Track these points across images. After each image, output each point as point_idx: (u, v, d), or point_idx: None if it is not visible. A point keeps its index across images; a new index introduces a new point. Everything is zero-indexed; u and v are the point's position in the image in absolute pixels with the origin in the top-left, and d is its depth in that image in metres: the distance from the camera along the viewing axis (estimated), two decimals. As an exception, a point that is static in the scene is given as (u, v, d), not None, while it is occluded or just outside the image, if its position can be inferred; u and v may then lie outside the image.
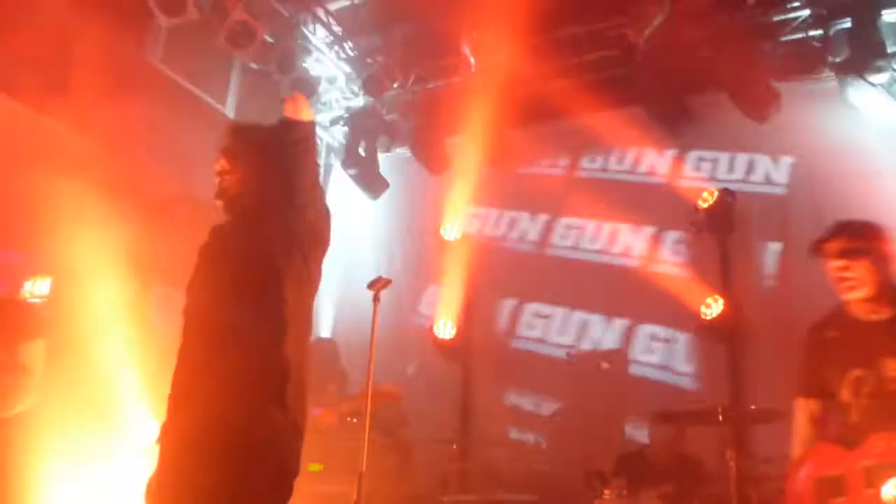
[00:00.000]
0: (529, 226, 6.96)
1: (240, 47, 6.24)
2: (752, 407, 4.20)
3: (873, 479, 2.50)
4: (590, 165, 6.84)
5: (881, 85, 5.30)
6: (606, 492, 4.28)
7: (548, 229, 6.86)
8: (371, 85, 7.01)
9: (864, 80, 5.26)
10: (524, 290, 6.73)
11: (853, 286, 2.72)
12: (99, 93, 5.31)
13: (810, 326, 2.94)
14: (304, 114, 2.67)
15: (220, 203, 2.71)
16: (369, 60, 7.23)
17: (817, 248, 2.84)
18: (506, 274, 6.83)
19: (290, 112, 2.66)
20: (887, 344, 2.67)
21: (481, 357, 6.59)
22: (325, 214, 2.61)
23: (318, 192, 2.65)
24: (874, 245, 2.76)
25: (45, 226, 5.55)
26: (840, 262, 2.73)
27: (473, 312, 6.59)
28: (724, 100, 5.93)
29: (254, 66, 6.79)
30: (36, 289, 5.11)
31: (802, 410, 2.88)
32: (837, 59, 5.54)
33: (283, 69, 6.78)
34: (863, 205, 5.44)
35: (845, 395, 2.72)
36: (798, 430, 2.87)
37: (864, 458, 2.56)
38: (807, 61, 5.89)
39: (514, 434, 6.25)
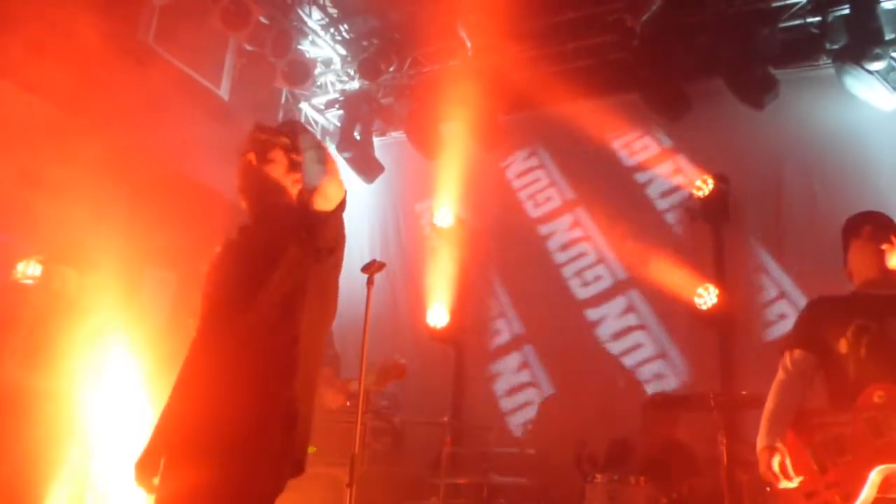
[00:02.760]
0: (523, 211, 6.94)
1: (234, 28, 6.19)
2: (743, 392, 4.22)
3: (883, 429, 2.43)
4: (584, 151, 6.82)
5: (878, 73, 5.29)
6: (598, 476, 4.31)
7: (542, 216, 6.85)
8: (366, 68, 6.96)
9: (862, 67, 5.25)
10: (517, 275, 6.73)
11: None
12: (92, 73, 5.27)
13: (811, 299, 2.91)
14: (335, 193, 2.24)
15: (244, 202, 2.40)
16: (365, 43, 7.18)
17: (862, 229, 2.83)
18: (499, 259, 6.83)
19: (320, 204, 2.22)
20: (893, 308, 2.64)
21: (474, 341, 6.61)
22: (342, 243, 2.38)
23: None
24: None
25: (38, 207, 5.52)
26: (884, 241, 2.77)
27: (467, 297, 6.61)
28: (721, 86, 5.91)
29: (248, 47, 6.74)
30: (28, 270, 5.09)
31: (788, 362, 2.76)
32: (835, 46, 5.53)
33: (277, 51, 6.74)
34: (858, 192, 5.47)
35: (843, 346, 2.63)
36: (778, 382, 2.74)
37: (866, 410, 2.49)
38: (804, 48, 5.88)
39: (506, 418, 6.28)
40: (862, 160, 5.53)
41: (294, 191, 2.41)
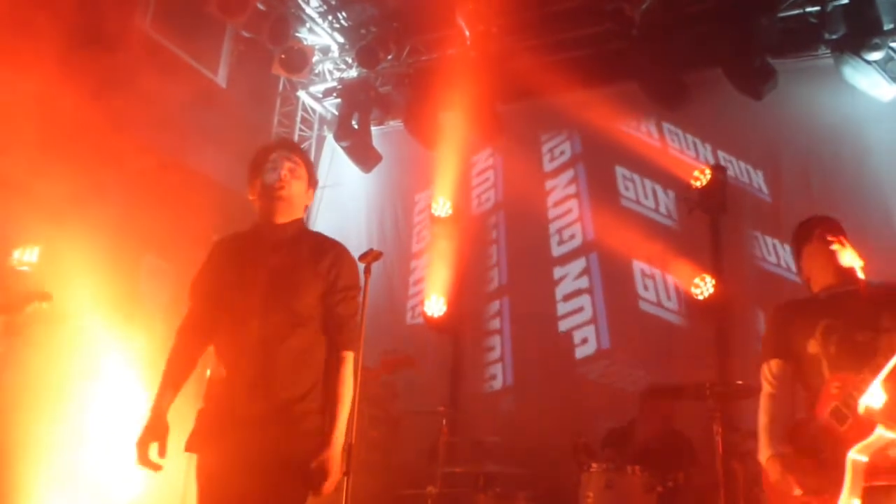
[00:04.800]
0: (521, 201, 6.93)
1: (231, 15, 6.16)
2: (739, 382, 4.23)
3: (844, 414, 2.49)
4: (583, 141, 6.81)
5: (877, 63, 5.28)
6: (594, 465, 4.33)
7: (540, 206, 6.84)
8: (364, 56, 6.94)
9: (860, 57, 5.24)
10: (514, 264, 6.73)
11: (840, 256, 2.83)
12: (88, 59, 5.23)
13: (776, 305, 2.98)
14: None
15: (280, 202, 2.51)
16: (363, 31, 7.14)
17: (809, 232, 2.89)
18: (496, 249, 6.83)
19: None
20: (855, 303, 2.69)
21: (471, 331, 6.62)
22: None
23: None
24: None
25: (34, 194, 5.50)
26: (831, 239, 2.83)
27: (464, 286, 6.61)
28: (720, 76, 5.90)
29: (246, 34, 6.71)
30: (24, 257, 5.08)
31: (769, 374, 2.81)
32: (834, 36, 5.52)
33: (275, 38, 6.71)
34: (855, 182, 5.48)
35: (814, 347, 2.69)
36: (766, 396, 2.79)
37: (827, 403, 2.55)
38: (803, 38, 5.86)
39: (503, 407, 6.30)
40: (860, 150, 5.53)
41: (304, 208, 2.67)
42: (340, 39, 7.38)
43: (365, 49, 6.92)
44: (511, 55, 6.53)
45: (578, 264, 6.40)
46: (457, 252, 6.62)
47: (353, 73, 7.45)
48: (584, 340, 6.11)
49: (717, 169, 5.90)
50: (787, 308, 2.92)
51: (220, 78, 6.75)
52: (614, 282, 6.19)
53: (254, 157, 2.62)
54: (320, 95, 7.92)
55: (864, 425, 2.44)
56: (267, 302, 2.37)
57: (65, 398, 4.88)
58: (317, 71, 7.57)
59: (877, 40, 5.18)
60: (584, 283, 6.31)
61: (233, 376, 2.37)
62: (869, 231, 5.08)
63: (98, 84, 5.27)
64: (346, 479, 2.82)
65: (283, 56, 6.83)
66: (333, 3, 7.17)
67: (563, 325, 6.26)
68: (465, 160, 7.04)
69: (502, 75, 6.56)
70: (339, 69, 7.62)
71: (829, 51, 5.59)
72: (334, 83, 7.70)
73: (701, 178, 5.89)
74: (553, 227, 6.65)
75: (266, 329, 2.35)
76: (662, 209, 6.26)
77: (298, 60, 6.91)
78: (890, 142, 5.44)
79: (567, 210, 6.65)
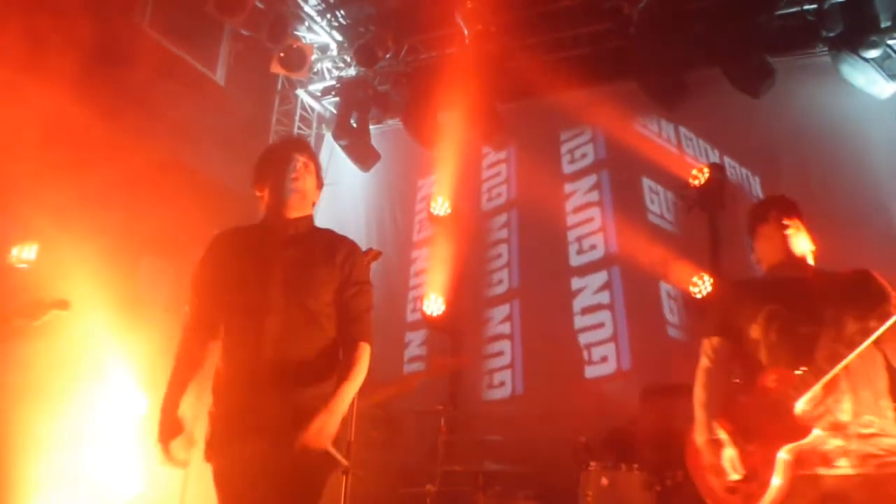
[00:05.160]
0: (537, 201, 6.90)
1: (230, 13, 6.15)
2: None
3: (780, 410, 2.46)
4: (583, 139, 6.81)
5: (874, 60, 5.29)
6: (592, 463, 4.33)
7: (558, 210, 6.81)
8: (363, 55, 6.92)
9: (858, 55, 5.25)
10: (528, 267, 6.72)
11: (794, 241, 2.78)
12: (86, 58, 5.23)
13: (729, 281, 3.02)
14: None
15: (295, 195, 2.51)
16: (362, 29, 7.13)
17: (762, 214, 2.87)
18: (495, 247, 6.83)
19: None
20: (802, 292, 2.65)
21: (470, 329, 6.62)
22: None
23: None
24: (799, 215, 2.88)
25: (33, 192, 5.49)
26: (787, 223, 2.79)
27: (463, 284, 6.60)
28: (718, 74, 5.90)
29: (244, 32, 6.69)
30: (23, 255, 5.07)
31: (710, 350, 2.79)
32: (831, 34, 5.52)
33: (274, 37, 6.69)
34: (854, 180, 5.48)
35: (755, 331, 2.65)
36: (704, 370, 2.77)
37: (764, 396, 2.53)
38: (801, 36, 5.87)
39: (503, 406, 6.30)
40: (857, 146, 5.54)
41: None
42: (339, 38, 7.37)
43: (363, 47, 6.90)
44: (509, 54, 6.52)
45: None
46: (458, 250, 6.61)
47: (352, 71, 7.45)
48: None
49: (716, 167, 5.90)
50: (736, 287, 2.92)
51: (219, 77, 6.74)
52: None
53: (264, 153, 2.61)
54: (319, 94, 7.91)
55: (799, 427, 2.42)
56: (281, 298, 2.34)
57: (65, 398, 4.87)
58: (315, 69, 7.56)
59: (874, 38, 5.19)
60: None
61: (245, 375, 2.33)
62: (866, 228, 5.09)
63: (97, 83, 5.26)
64: (345, 477, 2.83)
65: (281, 55, 6.82)
66: (332, 1, 7.15)
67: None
68: (474, 155, 6.97)
69: (500, 74, 6.57)
70: (337, 68, 7.61)
71: (826, 49, 5.60)
72: (333, 82, 7.69)
73: (699, 176, 5.89)
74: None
75: (280, 326, 2.31)
76: (666, 214, 6.26)
77: (297, 59, 6.90)
78: (888, 138, 5.45)
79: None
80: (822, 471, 2.38)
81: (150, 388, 5.14)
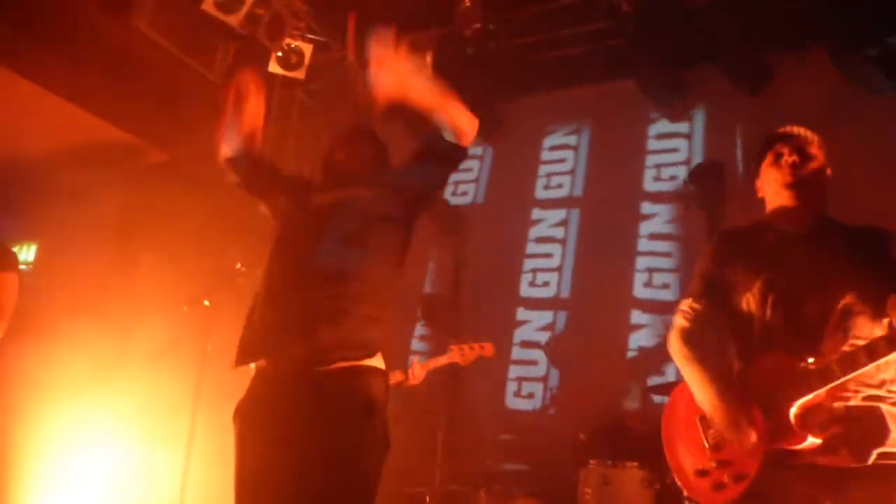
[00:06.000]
0: (519, 197, 6.92)
1: (227, 12, 6.13)
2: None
3: (771, 407, 2.11)
4: (578, 138, 6.81)
5: (873, 57, 5.28)
6: (592, 461, 4.33)
7: (536, 200, 6.83)
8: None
9: (857, 51, 5.25)
10: (513, 259, 6.72)
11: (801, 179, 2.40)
12: (84, 58, 5.23)
13: (721, 231, 2.60)
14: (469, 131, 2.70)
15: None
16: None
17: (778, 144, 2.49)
18: (496, 241, 6.82)
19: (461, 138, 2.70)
20: (808, 256, 2.27)
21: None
22: None
23: None
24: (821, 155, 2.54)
25: (33, 192, 5.49)
26: (793, 158, 2.44)
27: (464, 279, 6.60)
28: (716, 72, 5.90)
29: (241, 32, 6.67)
30: (21, 255, 5.08)
31: (685, 312, 2.38)
32: (830, 31, 5.52)
33: (271, 36, 6.67)
34: (852, 177, 5.46)
35: (749, 303, 2.26)
36: (678, 332, 2.37)
37: (755, 385, 2.17)
38: (799, 32, 5.86)
39: (505, 404, 6.29)
40: (855, 144, 5.53)
41: None
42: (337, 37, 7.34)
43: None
44: (506, 53, 6.52)
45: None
46: (455, 246, 6.59)
47: (350, 71, 7.43)
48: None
49: (715, 165, 5.90)
50: (731, 242, 2.45)
51: (217, 76, 6.72)
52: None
53: None
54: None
55: (791, 432, 2.07)
56: None
57: (63, 399, 4.87)
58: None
59: (873, 34, 5.19)
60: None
61: None
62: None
63: (94, 82, 5.27)
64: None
65: (279, 54, 6.81)
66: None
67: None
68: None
69: (498, 73, 6.56)
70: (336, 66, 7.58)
71: (825, 45, 5.60)
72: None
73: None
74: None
75: None
76: (661, 205, 6.26)
77: (295, 59, 6.89)
78: (885, 137, 5.44)
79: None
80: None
81: (150, 387, 5.13)
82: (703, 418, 2.32)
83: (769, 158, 2.50)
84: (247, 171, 2.89)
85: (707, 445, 2.32)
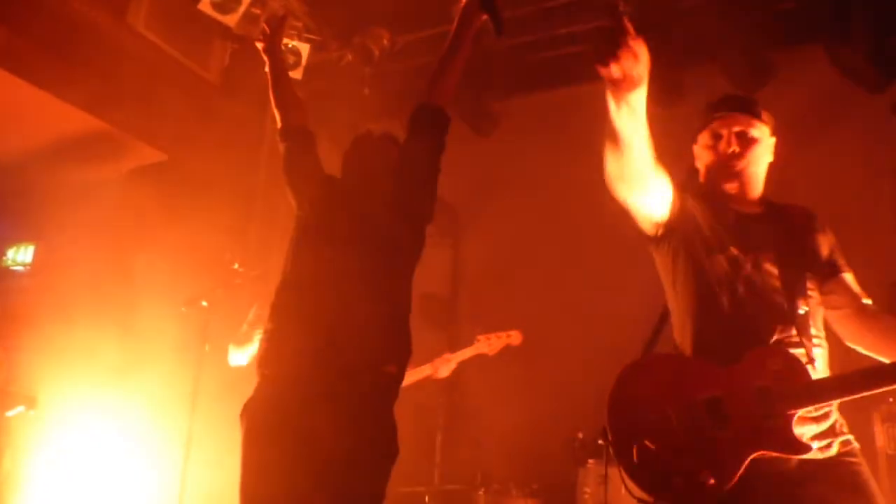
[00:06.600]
0: (512, 198, 6.91)
1: (224, 12, 6.12)
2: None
3: (770, 409, 1.93)
4: (576, 137, 6.80)
5: (870, 56, 5.29)
6: (590, 461, 4.33)
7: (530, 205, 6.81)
8: (359, 53, 6.89)
9: (854, 49, 5.25)
10: (511, 258, 6.72)
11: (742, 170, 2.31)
12: (80, 58, 5.21)
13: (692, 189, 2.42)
14: None
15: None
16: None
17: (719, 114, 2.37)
18: (493, 242, 6.82)
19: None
20: (761, 235, 2.23)
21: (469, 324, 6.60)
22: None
23: None
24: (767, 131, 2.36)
25: (31, 194, 5.48)
26: (735, 145, 2.33)
27: (460, 278, 6.60)
28: (714, 71, 5.90)
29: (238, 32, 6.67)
30: (19, 257, 5.07)
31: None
32: (827, 29, 5.52)
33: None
34: (850, 175, 5.48)
35: (720, 265, 2.18)
36: None
37: (752, 379, 1.98)
38: (796, 31, 5.87)
39: (501, 401, 6.28)
40: (852, 142, 5.54)
41: None
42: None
43: (359, 46, 6.87)
44: (504, 52, 6.51)
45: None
46: (450, 245, 6.57)
47: (347, 70, 7.41)
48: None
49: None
50: (702, 200, 2.33)
51: (214, 76, 6.72)
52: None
53: None
54: (314, 93, 7.88)
55: (751, 438, 1.90)
56: None
57: (60, 401, 4.86)
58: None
59: (871, 33, 5.19)
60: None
61: None
62: (862, 222, 5.09)
63: (89, 83, 5.25)
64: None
65: (281, 53, 6.80)
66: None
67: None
68: (463, 156, 6.90)
69: (495, 72, 6.56)
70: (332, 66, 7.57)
71: (823, 44, 5.60)
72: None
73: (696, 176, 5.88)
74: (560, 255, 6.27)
75: None
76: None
77: (292, 59, 6.88)
78: (882, 135, 5.45)
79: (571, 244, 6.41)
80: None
81: (148, 388, 5.12)
82: (692, 402, 1.98)
83: (707, 138, 2.42)
84: (296, 146, 2.90)
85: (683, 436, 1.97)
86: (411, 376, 4.44)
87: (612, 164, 2.14)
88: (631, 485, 2.01)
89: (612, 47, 1.91)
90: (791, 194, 2.55)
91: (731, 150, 2.33)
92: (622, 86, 1.96)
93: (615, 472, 4.24)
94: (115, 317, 5.18)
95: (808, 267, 2.21)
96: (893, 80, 5.33)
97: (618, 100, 2.00)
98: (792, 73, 5.86)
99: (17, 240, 5.37)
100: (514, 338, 4.72)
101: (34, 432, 4.71)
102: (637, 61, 1.96)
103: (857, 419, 2.12)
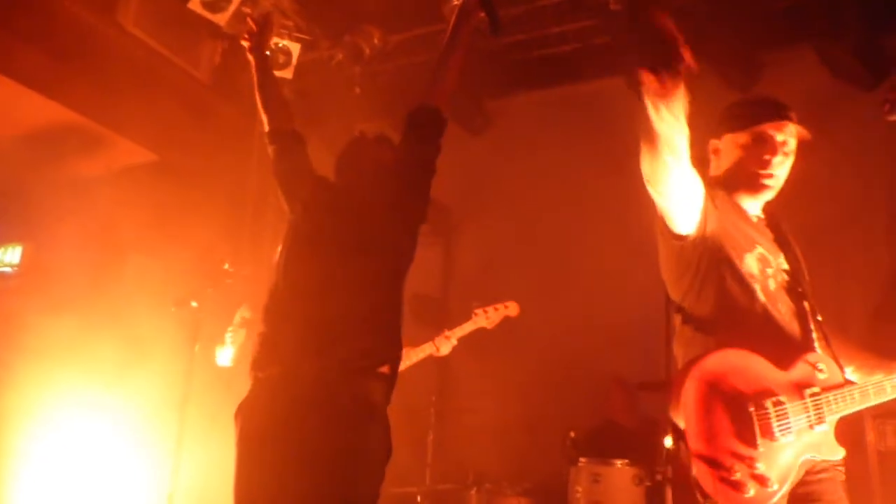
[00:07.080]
0: (507, 197, 6.91)
1: (214, 11, 6.09)
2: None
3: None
4: (571, 136, 6.81)
5: (861, 55, 5.31)
6: (582, 459, 4.34)
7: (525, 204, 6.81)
8: (350, 52, 6.88)
9: (846, 49, 5.27)
10: (503, 256, 6.72)
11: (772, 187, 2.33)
12: (68, 57, 5.18)
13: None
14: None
15: None
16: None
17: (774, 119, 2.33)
18: (486, 240, 6.82)
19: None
20: (771, 237, 2.33)
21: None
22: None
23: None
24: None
25: (17, 193, 5.44)
26: (779, 154, 2.32)
27: (453, 276, 6.59)
28: (706, 70, 5.91)
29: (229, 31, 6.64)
30: (7, 257, 5.03)
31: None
32: (819, 28, 5.54)
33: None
34: (845, 173, 5.49)
35: (751, 264, 2.19)
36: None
37: (800, 380, 2.04)
38: (788, 30, 5.89)
39: (493, 400, 6.28)
40: (846, 141, 5.56)
41: None
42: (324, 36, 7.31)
43: (350, 44, 6.86)
44: (495, 51, 6.51)
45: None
46: (443, 243, 6.56)
47: (339, 69, 7.39)
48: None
49: (706, 165, 5.91)
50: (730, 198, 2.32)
51: (204, 75, 6.69)
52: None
53: None
54: (305, 92, 7.85)
55: (804, 444, 2.00)
56: None
57: (49, 401, 4.84)
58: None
59: (861, 32, 5.22)
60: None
61: None
62: (853, 222, 5.11)
63: (79, 82, 5.22)
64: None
65: (267, 53, 6.77)
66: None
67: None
68: (457, 155, 6.92)
69: (487, 71, 6.55)
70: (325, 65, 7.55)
71: (813, 43, 5.62)
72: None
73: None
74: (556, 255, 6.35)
75: None
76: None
77: (283, 58, 6.86)
78: (874, 134, 5.47)
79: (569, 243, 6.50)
80: None
81: (137, 388, 5.10)
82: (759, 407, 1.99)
83: (750, 135, 2.34)
84: (285, 148, 2.89)
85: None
86: (414, 356, 4.43)
87: (647, 166, 2.16)
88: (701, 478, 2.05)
89: (675, 53, 1.99)
90: (781, 193, 2.53)
91: (772, 162, 2.32)
92: (668, 90, 2.00)
93: (606, 471, 4.25)
94: (105, 317, 5.14)
95: (804, 272, 2.31)
96: (884, 78, 5.35)
97: (660, 104, 2.02)
98: (782, 72, 5.88)
99: (5, 240, 5.32)
100: (512, 308, 4.66)
101: (23, 433, 4.68)
102: (692, 66, 2.01)
103: (848, 416, 2.15)
